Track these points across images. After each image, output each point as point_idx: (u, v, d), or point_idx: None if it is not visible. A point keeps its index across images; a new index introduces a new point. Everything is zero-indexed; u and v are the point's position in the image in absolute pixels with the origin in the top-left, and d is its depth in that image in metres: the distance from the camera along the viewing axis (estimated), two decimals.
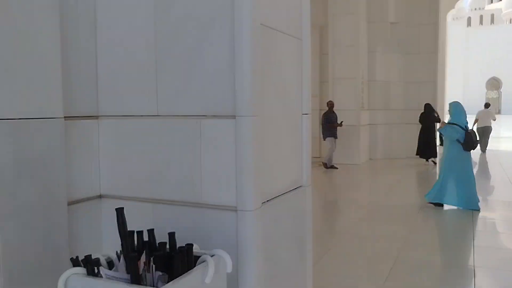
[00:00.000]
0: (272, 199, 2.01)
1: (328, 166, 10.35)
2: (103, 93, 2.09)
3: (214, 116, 1.86)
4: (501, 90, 50.19)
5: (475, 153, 13.04)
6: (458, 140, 5.97)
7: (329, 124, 10.28)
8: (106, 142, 2.10)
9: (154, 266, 1.41)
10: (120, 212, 1.50)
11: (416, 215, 6.03)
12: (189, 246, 1.50)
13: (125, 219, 1.51)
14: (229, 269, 1.58)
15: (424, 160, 11.07)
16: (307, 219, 2.39)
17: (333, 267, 4.03)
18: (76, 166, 2.00)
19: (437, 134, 11.00)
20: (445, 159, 6.32)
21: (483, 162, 12.02)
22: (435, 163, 10.92)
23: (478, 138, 6.47)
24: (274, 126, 2.04)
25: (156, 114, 1.98)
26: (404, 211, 6.26)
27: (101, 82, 2.09)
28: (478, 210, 5.95)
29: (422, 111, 10.92)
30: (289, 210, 2.18)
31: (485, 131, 13.28)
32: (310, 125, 2.43)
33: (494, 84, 50.50)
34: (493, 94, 48.79)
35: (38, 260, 1.73)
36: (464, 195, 6.02)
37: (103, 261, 1.55)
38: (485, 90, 49.94)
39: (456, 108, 6.20)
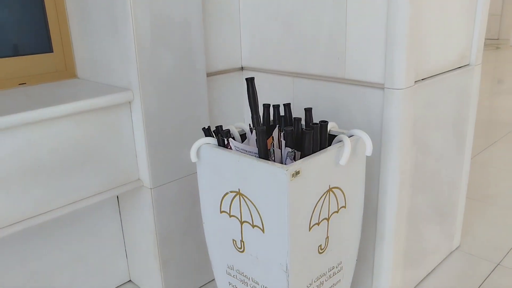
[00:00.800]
0: (428, 77, 1.71)
1: None
2: None
3: None
4: None
5: None
6: None
7: None
8: (247, 13, 1.97)
9: (284, 142, 1.31)
10: (250, 82, 1.39)
11: None
12: (323, 123, 1.35)
13: (255, 90, 1.40)
14: (368, 152, 1.41)
15: None
16: (471, 104, 2.04)
17: (495, 161, 3.58)
18: (216, 37, 1.92)
19: None
20: None
21: None
22: None
23: None
24: None
25: None
26: None
27: None
28: None
29: None
30: (449, 91, 1.86)
31: None
32: None
33: None
34: None
35: (179, 129, 1.76)
36: None
37: (235, 133, 1.50)
38: None
39: None
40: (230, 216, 1.40)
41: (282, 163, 1.30)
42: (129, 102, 1.66)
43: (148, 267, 1.91)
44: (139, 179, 1.76)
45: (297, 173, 1.21)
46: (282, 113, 1.59)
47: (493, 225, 2.52)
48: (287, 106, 1.56)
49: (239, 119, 2.09)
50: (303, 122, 1.50)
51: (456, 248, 2.26)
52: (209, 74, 1.92)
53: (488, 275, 2.05)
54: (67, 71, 1.90)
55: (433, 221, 2.01)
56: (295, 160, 1.28)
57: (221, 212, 1.43)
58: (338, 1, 1.64)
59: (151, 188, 1.74)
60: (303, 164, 1.23)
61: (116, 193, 1.71)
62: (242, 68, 2.07)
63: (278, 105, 1.58)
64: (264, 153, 1.28)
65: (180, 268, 1.92)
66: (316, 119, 1.76)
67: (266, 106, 1.58)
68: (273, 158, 1.30)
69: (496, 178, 3.20)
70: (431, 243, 2.04)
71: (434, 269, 2.10)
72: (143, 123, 1.65)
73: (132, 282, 2.06)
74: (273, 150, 1.29)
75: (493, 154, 3.68)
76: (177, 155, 1.78)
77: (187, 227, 1.89)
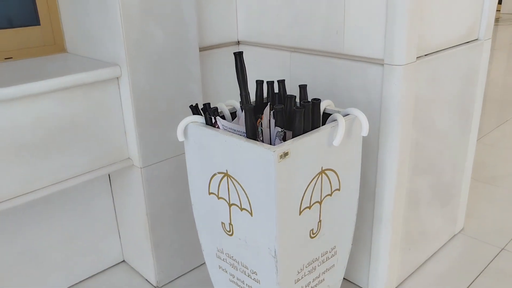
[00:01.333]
0: (432, 53, 1.61)
1: None
2: None
3: None
4: None
5: None
6: None
7: None
8: None
9: (274, 121, 1.23)
10: (238, 57, 1.31)
11: None
12: (316, 101, 1.27)
13: (244, 65, 1.32)
14: (364, 132, 1.33)
15: None
16: (479, 81, 1.94)
17: (505, 141, 3.47)
18: (211, 10, 1.83)
19: None
20: None
21: None
22: None
23: None
24: None
25: None
26: None
27: None
28: None
29: None
30: (455, 68, 1.76)
31: None
32: None
33: None
34: None
35: (170, 106, 1.69)
36: None
37: (225, 111, 1.43)
38: None
39: None
40: (219, 198, 1.34)
41: (271, 144, 1.23)
42: (117, 78, 1.59)
43: (140, 248, 1.87)
44: (129, 158, 1.70)
45: (286, 154, 1.14)
46: (276, 90, 1.51)
47: (499, 208, 2.44)
48: (281, 82, 1.48)
49: (235, 96, 2.00)
50: (298, 100, 1.43)
51: (460, 231, 2.18)
52: (203, 49, 1.84)
53: (492, 260, 1.98)
54: (56, 45, 1.82)
55: (435, 203, 1.93)
56: (285, 141, 1.20)
57: (209, 193, 1.37)
58: None
59: (141, 168, 1.68)
60: (292, 144, 1.16)
61: (104, 172, 1.65)
62: (238, 42, 1.98)
63: (272, 82, 1.50)
64: (252, 133, 1.21)
65: (173, 250, 1.87)
66: (313, 96, 1.69)
67: (259, 83, 1.50)
68: (261, 139, 1.23)
69: (504, 159, 3.11)
70: (432, 226, 1.97)
71: (435, 252, 2.04)
72: (131, 100, 1.59)
73: (126, 262, 2.02)
74: (261, 129, 1.22)
75: (504, 133, 3.57)
76: (168, 133, 1.71)
77: (179, 208, 1.84)
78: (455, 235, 2.15)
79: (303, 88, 1.42)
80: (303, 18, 1.69)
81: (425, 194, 1.83)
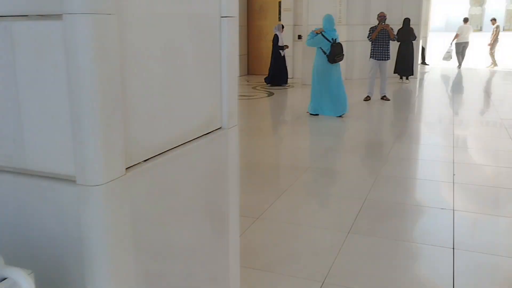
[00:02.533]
0: (156, 156, 1.25)
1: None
2: None
3: (31, 16, 1.04)
4: (484, 6, 47.89)
5: (452, 68, 12.86)
6: (323, 51, 6.30)
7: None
8: None
9: None
10: None
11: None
12: None
13: None
14: None
15: (400, 78, 10.54)
16: (231, 173, 1.66)
17: (284, 214, 3.36)
18: None
19: (417, 50, 10.44)
20: (313, 70, 6.60)
21: (459, 77, 11.99)
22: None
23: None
24: (159, 32, 1.23)
25: None
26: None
27: None
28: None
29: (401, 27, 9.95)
30: (194, 166, 1.43)
31: (465, 47, 13.12)
32: (237, 34, 1.63)
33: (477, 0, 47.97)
34: (476, 10, 46.49)
35: None
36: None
37: None
38: (469, 6, 47.40)
39: (327, 21, 6.35)
40: None
41: None
42: None
43: None
44: None
45: None
46: None
47: None
48: None
49: None
50: None
51: None
52: None
53: None
54: None
55: None
56: None
57: None
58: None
59: None
60: None
61: None
62: None
63: None
64: None
65: None
66: None
67: None
68: None
69: (284, 236, 2.94)
70: None
71: None
72: None
73: None
74: None
75: (278, 209, 3.35)
76: None
77: None
78: None
79: None
80: None
81: None
